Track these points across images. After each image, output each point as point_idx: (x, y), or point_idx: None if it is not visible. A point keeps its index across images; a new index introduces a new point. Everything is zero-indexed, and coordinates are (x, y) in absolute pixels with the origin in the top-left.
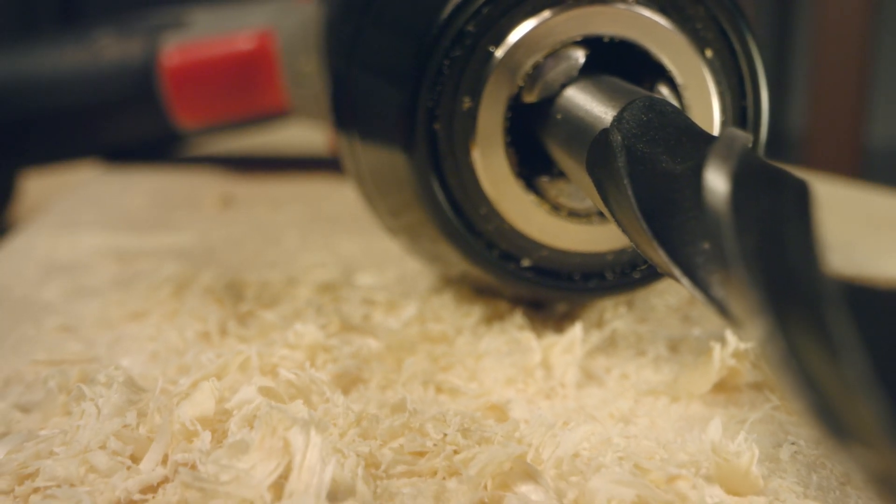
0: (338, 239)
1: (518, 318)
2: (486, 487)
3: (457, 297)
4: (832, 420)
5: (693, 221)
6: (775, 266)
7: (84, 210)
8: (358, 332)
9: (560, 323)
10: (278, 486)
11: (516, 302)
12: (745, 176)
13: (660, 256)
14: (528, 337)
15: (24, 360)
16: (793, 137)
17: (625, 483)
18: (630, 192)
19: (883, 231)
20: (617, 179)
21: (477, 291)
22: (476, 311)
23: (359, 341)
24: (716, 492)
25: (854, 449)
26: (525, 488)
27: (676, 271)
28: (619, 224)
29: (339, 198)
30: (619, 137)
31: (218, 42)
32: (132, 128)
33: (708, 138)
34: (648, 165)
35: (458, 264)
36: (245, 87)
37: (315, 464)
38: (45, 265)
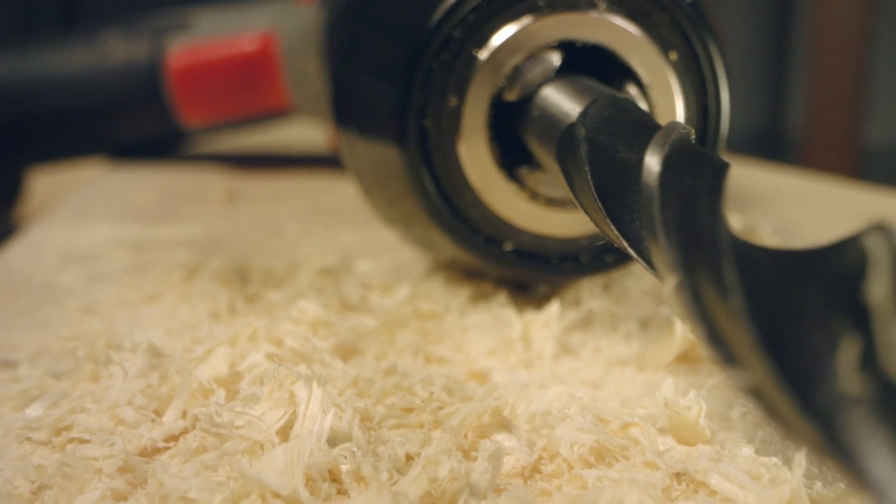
0: (337, 231)
1: (502, 297)
2: (466, 437)
3: (446, 280)
4: (722, 346)
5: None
6: (688, 230)
7: (95, 204)
8: (356, 311)
9: (540, 302)
10: (284, 431)
11: (500, 283)
12: (674, 159)
13: (612, 231)
14: (510, 314)
15: (50, 337)
16: (791, 138)
17: (586, 430)
18: (589, 177)
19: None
20: (579, 166)
21: (465, 274)
22: (463, 292)
23: (356, 319)
24: (668, 441)
25: (735, 368)
26: (500, 437)
27: (624, 243)
28: (582, 205)
29: (338, 193)
30: (583, 131)
31: (222, 43)
32: (138, 126)
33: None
34: (607, 154)
35: (447, 249)
36: (248, 87)
37: (317, 413)
38: (62, 254)
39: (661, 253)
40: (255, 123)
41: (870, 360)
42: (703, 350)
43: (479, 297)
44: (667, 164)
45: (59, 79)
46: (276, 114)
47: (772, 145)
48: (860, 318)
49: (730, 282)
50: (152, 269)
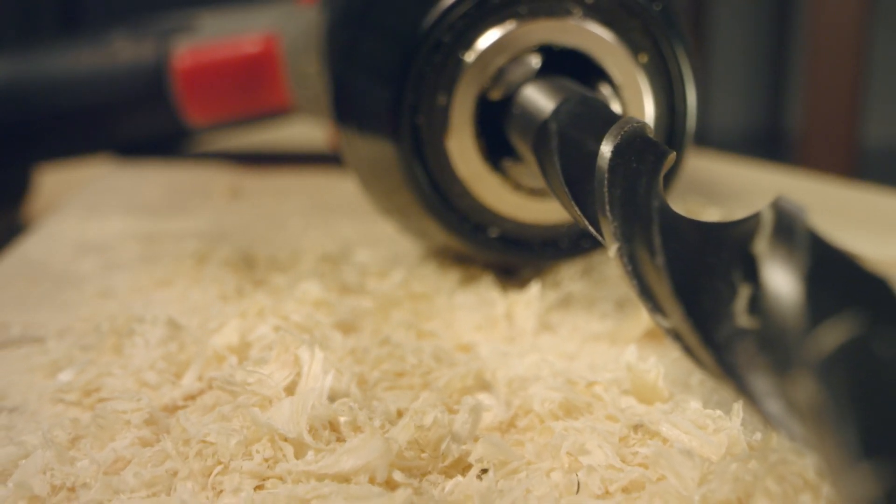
0: (338, 224)
1: (488, 280)
2: (451, 396)
3: (438, 265)
4: (649, 297)
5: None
6: (628, 205)
7: (105, 199)
8: (354, 294)
9: (524, 285)
10: (290, 388)
11: (487, 267)
12: (624, 147)
13: (576, 212)
14: (495, 295)
15: (72, 317)
16: (790, 137)
17: (556, 389)
18: (558, 167)
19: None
20: (551, 157)
21: (455, 260)
22: (453, 275)
23: (354, 300)
24: (629, 400)
25: (659, 315)
26: (481, 396)
27: (585, 222)
28: (553, 191)
29: (338, 189)
30: (555, 126)
31: (226, 45)
32: (144, 125)
33: None
34: (575, 147)
35: (438, 236)
36: (251, 87)
37: (318, 373)
38: (77, 245)
39: (607, 225)
40: (258, 122)
41: (757, 303)
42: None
43: (467, 280)
44: (616, 151)
45: (67, 79)
46: (277, 113)
47: (771, 145)
48: (753, 271)
49: (656, 245)
50: (163, 257)
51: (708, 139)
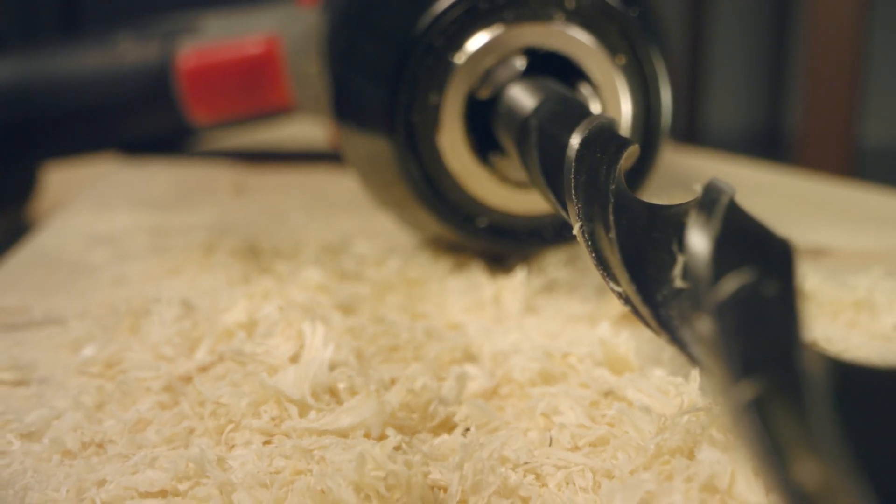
0: (338, 218)
1: (478, 267)
2: (439, 367)
3: (432, 254)
4: (605, 268)
5: None
6: (590, 190)
7: (113, 195)
8: (353, 280)
9: (512, 271)
10: (294, 358)
11: (478, 255)
12: (590, 140)
13: (551, 199)
14: (484, 280)
15: (90, 302)
16: (789, 137)
17: (535, 360)
18: (537, 159)
19: (808, 209)
20: (531, 150)
21: (447, 248)
22: (446, 263)
23: (353, 286)
24: (602, 371)
25: (611, 282)
26: (467, 367)
27: (559, 207)
28: (533, 182)
29: (338, 185)
30: (535, 122)
31: (229, 46)
32: (149, 123)
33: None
34: (553, 141)
35: (431, 226)
36: (254, 87)
37: (320, 346)
38: (89, 238)
39: (572, 207)
40: (260, 121)
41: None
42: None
43: (458, 267)
44: (583, 143)
45: (74, 79)
46: (279, 112)
47: (770, 144)
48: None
49: (610, 222)
50: (172, 248)
51: (707, 139)
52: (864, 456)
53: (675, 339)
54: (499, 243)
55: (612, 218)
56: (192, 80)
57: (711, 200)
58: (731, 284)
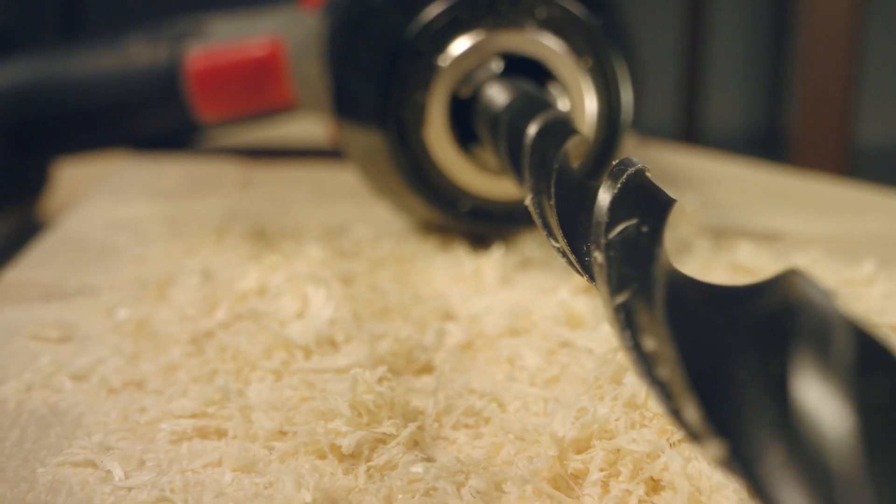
0: (337, 208)
1: (462, 246)
2: (423, 324)
3: (421, 237)
4: (547, 229)
5: None
6: (540, 168)
7: (128, 188)
8: (350, 258)
9: (491, 250)
10: (300, 315)
11: (461, 236)
12: (544, 129)
13: (516, 179)
14: (466, 257)
15: (118, 276)
16: (787, 137)
17: (503, 318)
18: (505, 146)
19: (774, 201)
20: (500, 140)
21: (435, 230)
22: (433, 243)
23: (351, 262)
24: (562, 328)
25: (552, 240)
26: (447, 325)
27: (520, 184)
28: (503, 163)
29: (338, 179)
30: (506, 116)
31: (235, 49)
32: (159, 121)
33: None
34: (517, 132)
35: (420, 211)
36: (258, 87)
37: (321, 305)
38: (110, 225)
39: (526, 183)
40: (264, 119)
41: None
42: None
43: (444, 246)
44: (538, 132)
45: (87, 79)
46: (282, 110)
47: (768, 144)
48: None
49: (552, 193)
50: (187, 233)
51: (706, 138)
52: (683, 339)
53: (592, 278)
54: (480, 225)
55: (553, 190)
56: (199, 80)
57: (619, 171)
58: (622, 226)
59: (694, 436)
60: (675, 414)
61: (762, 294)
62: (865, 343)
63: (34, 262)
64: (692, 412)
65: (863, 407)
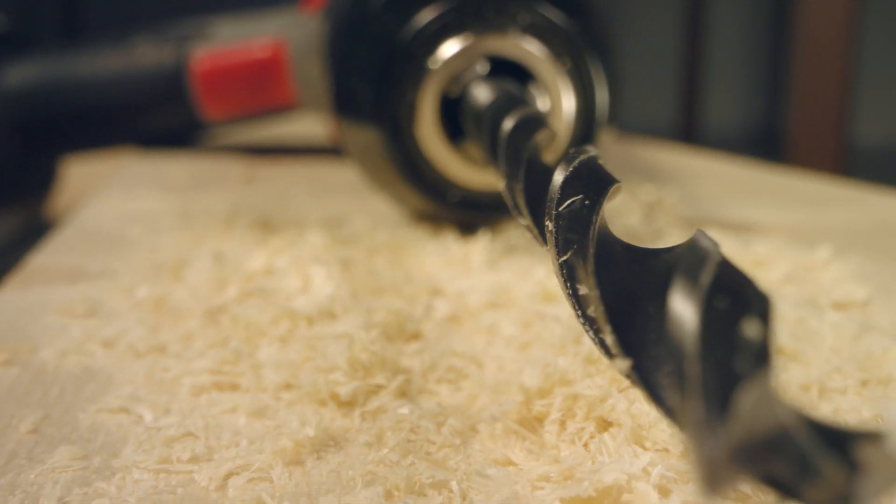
0: (337, 202)
1: (451, 233)
2: (413, 299)
3: (414, 225)
4: (517, 209)
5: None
6: (512, 157)
7: (137, 183)
8: (349, 245)
9: (478, 237)
10: (303, 290)
11: (452, 224)
12: (520, 123)
13: (496, 169)
14: (456, 244)
15: (134, 261)
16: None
17: (486, 294)
18: (488, 138)
19: (748, 195)
20: (484, 133)
21: (427, 219)
22: (425, 231)
23: (349, 249)
24: (538, 304)
25: (521, 219)
26: (435, 300)
27: (500, 173)
28: (487, 155)
29: (338, 176)
30: (489, 114)
31: (239, 50)
32: (165, 120)
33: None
34: (496, 127)
35: (413, 201)
36: (261, 87)
37: (322, 283)
38: (122, 217)
39: (501, 171)
40: (267, 118)
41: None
42: None
43: (435, 234)
44: (514, 126)
45: (95, 79)
46: (284, 110)
47: (767, 144)
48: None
49: (521, 177)
50: (196, 224)
51: (705, 138)
52: (606, 285)
53: (545, 245)
54: (468, 214)
55: (521, 175)
56: (205, 81)
57: (573, 156)
58: (565, 203)
59: (609, 356)
60: (600, 342)
61: (674, 252)
62: (725, 272)
63: (56, 249)
64: (609, 338)
65: (707, 312)
